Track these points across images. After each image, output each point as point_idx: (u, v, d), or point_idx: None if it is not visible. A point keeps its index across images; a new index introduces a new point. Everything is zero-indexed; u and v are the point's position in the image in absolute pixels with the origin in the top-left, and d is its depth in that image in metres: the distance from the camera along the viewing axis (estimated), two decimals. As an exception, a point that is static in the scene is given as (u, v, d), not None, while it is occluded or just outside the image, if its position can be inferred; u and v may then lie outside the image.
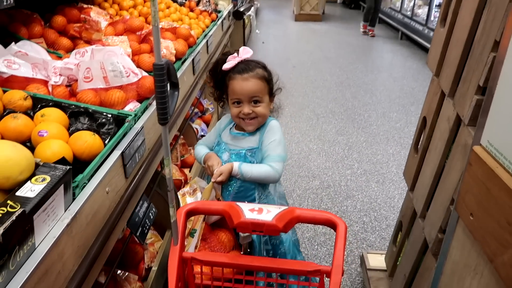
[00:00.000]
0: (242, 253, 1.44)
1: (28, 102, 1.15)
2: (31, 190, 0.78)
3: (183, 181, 2.27)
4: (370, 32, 7.81)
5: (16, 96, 1.13)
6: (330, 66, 5.80)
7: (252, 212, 0.99)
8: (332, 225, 1.01)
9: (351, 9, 11.29)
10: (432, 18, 6.37)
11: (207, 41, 2.59)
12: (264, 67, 1.45)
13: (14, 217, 0.69)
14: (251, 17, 5.97)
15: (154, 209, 1.46)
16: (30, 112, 1.13)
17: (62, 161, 0.92)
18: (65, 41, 1.66)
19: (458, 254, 1.01)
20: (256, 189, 1.45)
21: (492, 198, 0.82)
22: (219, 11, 3.50)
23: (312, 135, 3.64)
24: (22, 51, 1.35)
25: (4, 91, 1.17)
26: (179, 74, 1.83)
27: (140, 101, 1.43)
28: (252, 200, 1.45)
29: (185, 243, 1.19)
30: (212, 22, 3.06)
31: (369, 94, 4.69)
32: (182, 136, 2.54)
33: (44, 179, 0.82)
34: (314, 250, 2.23)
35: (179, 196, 1.38)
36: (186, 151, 2.62)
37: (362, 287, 1.99)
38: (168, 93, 0.83)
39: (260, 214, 0.99)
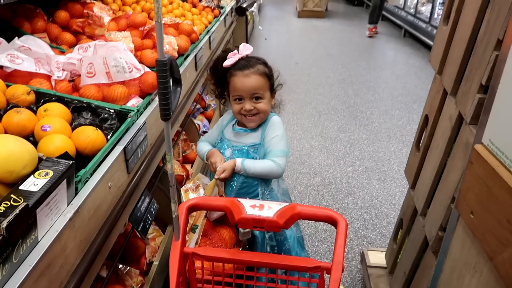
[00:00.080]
0: (241, 249, 1.45)
1: (31, 97, 1.16)
2: (34, 184, 0.79)
3: (185, 176, 2.28)
4: (373, 30, 7.76)
5: (19, 91, 1.14)
6: (332, 63, 5.78)
7: (253, 208, 1.00)
8: (333, 222, 1.02)
9: (354, 6, 11.23)
10: (435, 15, 6.31)
11: (209, 37, 2.59)
12: (264, 63, 1.46)
13: (17, 211, 0.69)
14: (254, 13, 5.93)
15: (155, 204, 1.47)
16: (33, 107, 1.13)
17: (65, 155, 0.93)
18: (68, 36, 1.67)
19: (458, 252, 1.01)
20: (259, 185, 1.45)
21: (492, 196, 0.82)
22: (222, 7, 3.49)
23: (314, 132, 3.64)
24: (25, 46, 1.35)
25: (8, 86, 1.17)
26: (181, 70, 1.83)
27: (142, 97, 1.43)
28: (255, 197, 1.45)
29: (187, 238, 1.19)
30: (214, 18, 3.05)
31: (371, 92, 4.67)
32: (184, 132, 2.54)
33: (47, 174, 0.82)
34: (315, 247, 2.23)
35: (182, 192, 1.38)
36: (188, 147, 2.63)
37: (362, 284, 1.99)
38: (171, 89, 0.83)
39: (261, 210, 0.99)
